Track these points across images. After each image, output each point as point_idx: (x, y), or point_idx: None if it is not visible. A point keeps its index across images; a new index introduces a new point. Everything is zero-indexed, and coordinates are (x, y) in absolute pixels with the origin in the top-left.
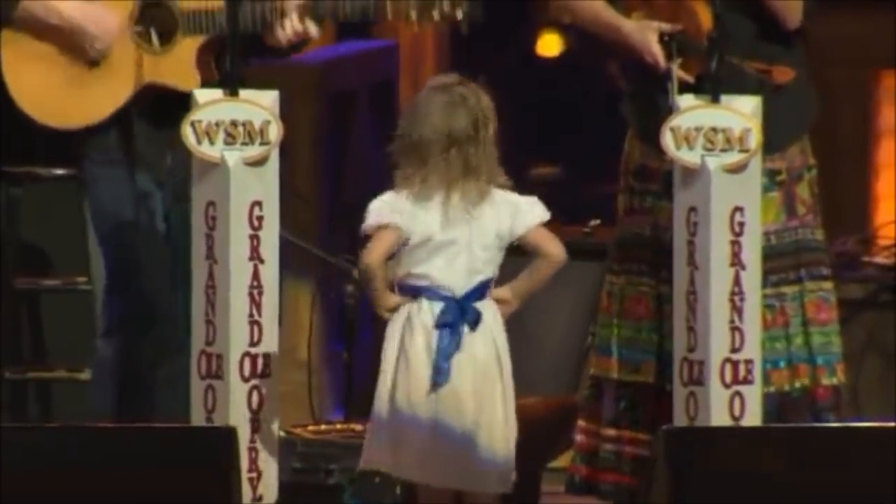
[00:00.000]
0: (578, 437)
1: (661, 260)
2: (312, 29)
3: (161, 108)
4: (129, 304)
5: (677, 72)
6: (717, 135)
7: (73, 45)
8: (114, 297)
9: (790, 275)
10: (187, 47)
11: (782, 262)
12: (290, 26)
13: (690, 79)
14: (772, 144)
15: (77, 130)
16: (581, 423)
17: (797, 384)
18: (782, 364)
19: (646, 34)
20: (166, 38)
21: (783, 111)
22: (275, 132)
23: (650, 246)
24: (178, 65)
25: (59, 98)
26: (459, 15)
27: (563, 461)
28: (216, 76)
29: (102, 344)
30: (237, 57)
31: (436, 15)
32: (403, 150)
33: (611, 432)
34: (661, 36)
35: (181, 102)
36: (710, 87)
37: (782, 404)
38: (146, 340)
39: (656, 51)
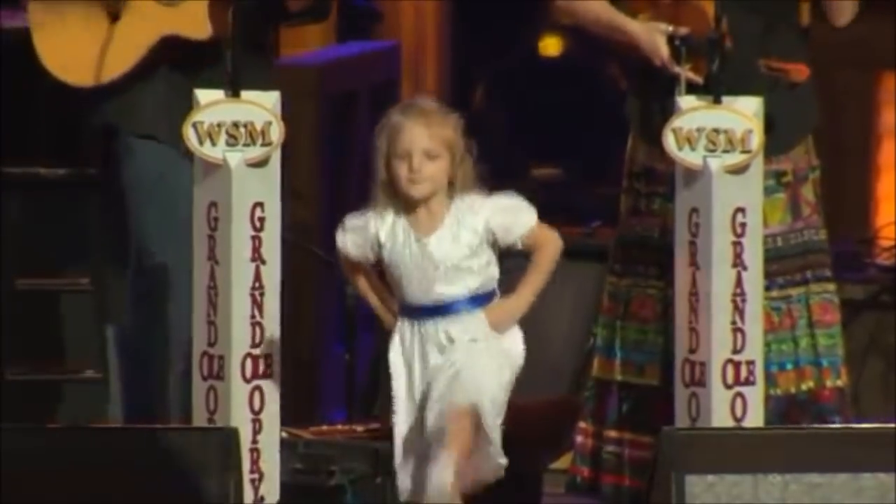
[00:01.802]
0: (579, 439)
1: (669, 262)
2: None
3: (188, 82)
4: (150, 282)
5: (687, 73)
6: (718, 136)
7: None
8: (139, 273)
9: (796, 276)
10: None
11: (789, 263)
12: None
13: (700, 80)
14: (777, 146)
15: (110, 100)
16: (582, 424)
17: (803, 387)
18: (789, 366)
19: (654, 36)
20: None
21: (788, 112)
22: (276, 133)
23: (659, 248)
24: (190, 15)
25: (82, 56)
26: None
27: (564, 462)
28: (230, 30)
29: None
30: (238, 55)
31: None
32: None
33: (613, 434)
34: (670, 38)
35: (202, 62)
36: (714, 87)
37: (788, 407)
38: (162, 319)
39: (665, 53)
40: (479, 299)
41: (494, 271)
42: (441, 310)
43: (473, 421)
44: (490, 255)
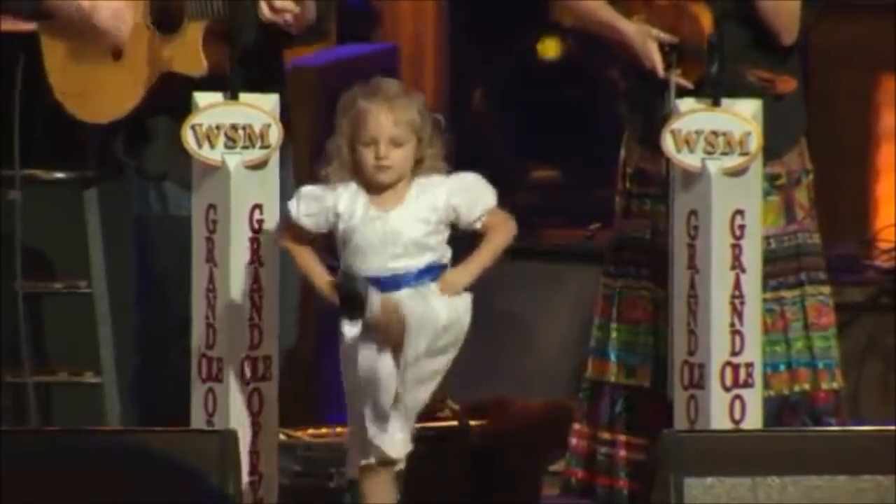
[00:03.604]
0: (574, 440)
1: (660, 263)
2: (289, 5)
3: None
4: (160, 320)
5: (676, 79)
6: (717, 138)
7: (93, 39)
8: (144, 313)
9: (790, 279)
10: (193, 32)
11: (782, 266)
12: (268, 5)
13: (690, 85)
14: (771, 151)
15: (125, 138)
16: (577, 426)
17: (796, 388)
18: (782, 368)
19: (646, 40)
20: (176, 25)
21: (780, 118)
22: (275, 135)
23: (650, 250)
24: (185, 51)
25: (88, 92)
26: None
27: (563, 465)
28: (226, 61)
29: (136, 359)
30: (237, 62)
31: None
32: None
33: (606, 435)
34: (661, 45)
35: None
36: (711, 90)
37: (781, 408)
38: (177, 357)
39: (656, 58)
40: (432, 271)
41: (447, 247)
42: (394, 282)
43: None
44: (447, 232)
